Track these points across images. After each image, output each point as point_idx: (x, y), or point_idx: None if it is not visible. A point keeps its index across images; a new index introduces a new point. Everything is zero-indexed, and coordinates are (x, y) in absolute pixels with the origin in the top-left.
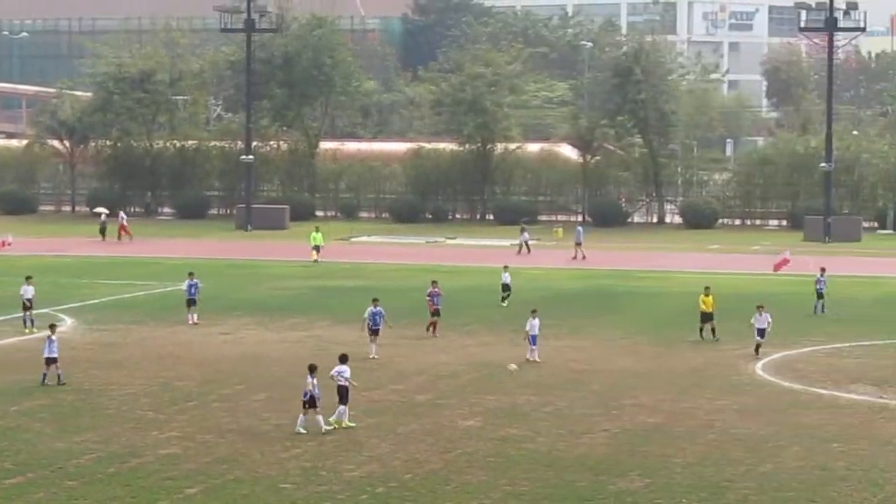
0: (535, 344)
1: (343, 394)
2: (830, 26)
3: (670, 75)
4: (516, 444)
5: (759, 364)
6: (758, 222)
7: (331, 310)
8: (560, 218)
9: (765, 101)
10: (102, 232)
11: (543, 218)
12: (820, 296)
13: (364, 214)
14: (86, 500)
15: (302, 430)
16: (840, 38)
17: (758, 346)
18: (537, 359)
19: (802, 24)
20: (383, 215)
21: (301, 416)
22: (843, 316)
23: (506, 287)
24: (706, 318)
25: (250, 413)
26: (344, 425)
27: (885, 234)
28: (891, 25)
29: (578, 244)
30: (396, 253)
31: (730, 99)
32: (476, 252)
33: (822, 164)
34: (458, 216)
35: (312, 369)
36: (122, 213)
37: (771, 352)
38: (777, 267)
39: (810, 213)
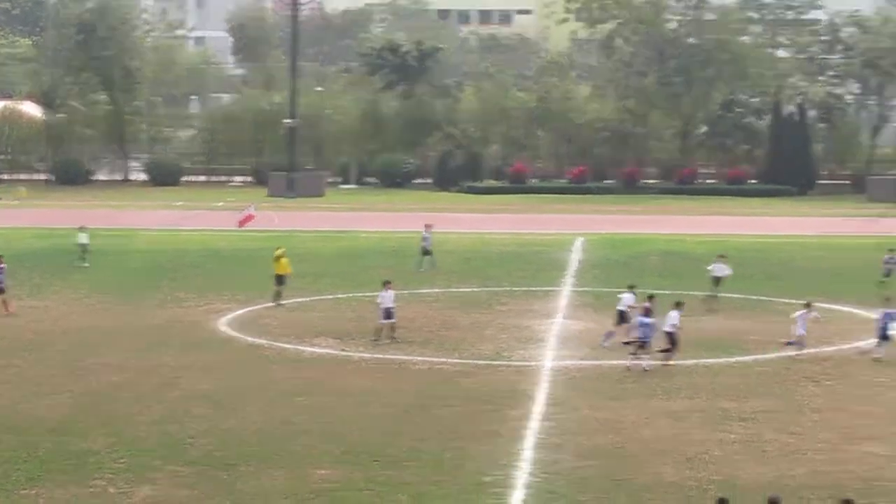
0: None
1: None
2: None
3: (135, 31)
4: None
5: (224, 320)
6: (223, 178)
7: None
8: (23, 177)
9: (231, 58)
10: None
11: (6, 177)
12: (427, 252)
13: None
14: None
15: None
16: None
17: (386, 330)
18: None
19: None
20: None
21: None
22: (307, 271)
23: (84, 248)
24: (281, 280)
25: None
26: None
27: (348, 189)
28: None
29: None
30: None
31: (195, 55)
32: None
33: (286, 121)
34: None
35: None
36: None
37: (235, 307)
38: (242, 223)
39: (275, 169)
